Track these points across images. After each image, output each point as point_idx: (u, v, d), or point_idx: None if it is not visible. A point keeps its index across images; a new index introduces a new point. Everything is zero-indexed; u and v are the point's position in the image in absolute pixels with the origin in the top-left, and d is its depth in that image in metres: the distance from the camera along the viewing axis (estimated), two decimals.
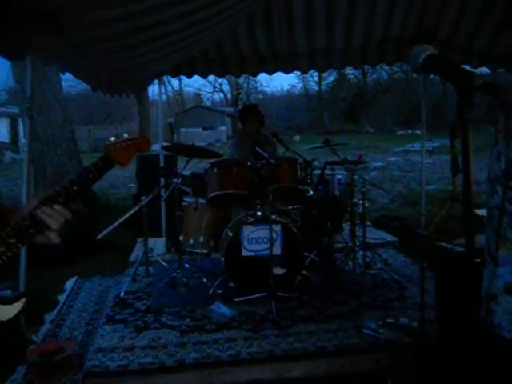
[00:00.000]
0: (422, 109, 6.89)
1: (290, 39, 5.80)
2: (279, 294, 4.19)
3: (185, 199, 5.00)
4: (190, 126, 36.15)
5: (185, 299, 4.48)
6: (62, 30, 3.60)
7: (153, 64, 5.46)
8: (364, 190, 4.98)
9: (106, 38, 4.12)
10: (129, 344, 3.68)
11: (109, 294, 4.88)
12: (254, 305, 4.22)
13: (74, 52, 3.94)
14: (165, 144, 8.37)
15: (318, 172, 5.14)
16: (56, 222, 1.52)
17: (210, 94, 49.39)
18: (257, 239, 4.37)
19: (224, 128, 34.17)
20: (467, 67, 5.62)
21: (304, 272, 4.54)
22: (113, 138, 1.65)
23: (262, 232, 4.33)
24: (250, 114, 5.53)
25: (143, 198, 4.82)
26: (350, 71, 36.56)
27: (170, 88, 40.94)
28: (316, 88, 44.01)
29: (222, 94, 47.21)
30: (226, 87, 44.27)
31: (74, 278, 5.41)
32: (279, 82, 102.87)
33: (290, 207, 5.02)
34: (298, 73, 6.45)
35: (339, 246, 5.34)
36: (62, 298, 4.88)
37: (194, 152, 4.63)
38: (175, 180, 4.58)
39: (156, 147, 7.15)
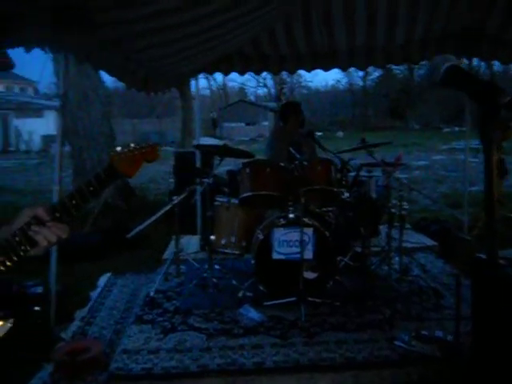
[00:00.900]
0: (466, 104, 6.61)
1: (329, 36, 5.64)
2: (310, 299, 4.08)
3: (217, 198, 4.94)
4: (232, 120, 36.25)
5: (214, 300, 4.42)
6: (95, 28, 3.59)
7: (188, 61, 5.41)
8: (402, 193, 4.78)
9: (139, 36, 4.08)
10: (154, 346, 3.64)
11: (140, 293, 4.88)
12: (283, 310, 4.11)
13: (107, 50, 3.92)
14: (203, 140, 8.38)
15: (354, 173, 4.97)
16: (45, 240, 1.45)
17: (253, 89, 49.41)
18: (288, 242, 4.26)
19: (266, 123, 34.04)
20: None
21: (337, 277, 4.41)
22: (119, 148, 1.57)
23: (294, 235, 4.22)
24: (291, 112, 5.36)
25: (175, 198, 4.79)
26: (395, 66, 35.79)
27: (213, 83, 41.29)
28: (361, 83, 43.34)
29: (265, 89, 47.11)
30: (269, 82, 44.11)
31: (108, 274, 5.44)
32: (323, 77, 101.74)
33: (324, 209, 4.89)
34: None
35: (375, 249, 5.18)
36: (94, 294, 4.90)
37: (226, 152, 4.55)
38: (206, 180, 4.51)
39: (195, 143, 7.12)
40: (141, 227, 4.60)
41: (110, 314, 4.40)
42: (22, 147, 28.06)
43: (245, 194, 4.50)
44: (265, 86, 46.10)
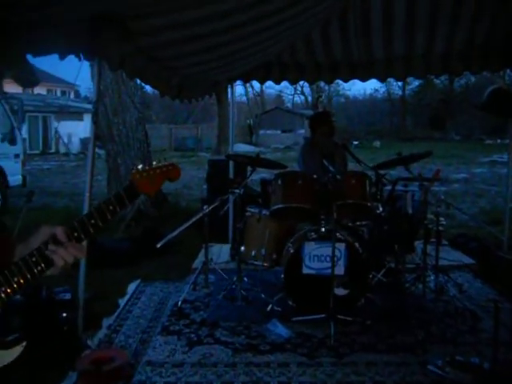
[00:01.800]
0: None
1: (366, 46, 5.52)
2: (340, 316, 3.95)
3: (248, 209, 4.88)
4: (269, 127, 36.21)
5: (242, 314, 4.35)
6: (129, 35, 3.57)
7: (224, 69, 5.37)
8: (439, 209, 4.61)
9: (174, 44, 4.06)
10: (179, 359, 3.58)
11: (168, 301, 4.83)
12: (311, 327, 4.01)
13: (141, 57, 3.91)
14: (238, 147, 8.34)
15: (389, 187, 4.83)
16: (62, 261, 1.40)
17: (290, 96, 49.37)
18: (319, 257, 4.16)
19: (302, 131, 33.89)
20: None
21: (368, 294, 4.27)
22: (140, 166, 1.53)
23: (325, 250, 4.11)
24: (320, 123, 5.25)
25: (205, 207, 4.74)
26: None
27: (251, 90, 41.43)
28: (399, 92, 42.78)
29: (302, 97, 47.03)
30: (307, 90, 44.01)
31: (137, 282, 5.42)
32: (362, 86, 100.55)
33: (358, 224, 4.76)
34: None
35: (410, 266, 5.01)
36: (122, 301, 4.88)
37: (257, 162, 4.48)
38: (237, 191, 4.45)
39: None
40: (170, 236, 4.57)
41: (136, 322, 4.36)
42: (62, 149, 28.66)
43: (276, 206, 4.42)
44: (302, 93, 46.05)
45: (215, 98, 22.02)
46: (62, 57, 3.40)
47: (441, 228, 4.70)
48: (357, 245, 4.20)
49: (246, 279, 4.69)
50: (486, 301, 4.54)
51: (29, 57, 3.40)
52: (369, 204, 4.30)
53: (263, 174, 7.97)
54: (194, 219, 4.65)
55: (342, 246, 4.10)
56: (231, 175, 6.48)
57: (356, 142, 30.72)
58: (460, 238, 6.53)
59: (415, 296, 4.63)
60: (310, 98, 44.19)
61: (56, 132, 28.60)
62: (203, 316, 4.35)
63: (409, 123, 42.03)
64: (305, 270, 4.17)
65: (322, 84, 30.03)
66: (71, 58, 3.45)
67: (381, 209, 4.57)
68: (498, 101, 1.24)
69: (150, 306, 4.74)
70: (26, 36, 3.14)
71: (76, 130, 27.82)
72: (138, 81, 6.08)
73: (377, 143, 32.06)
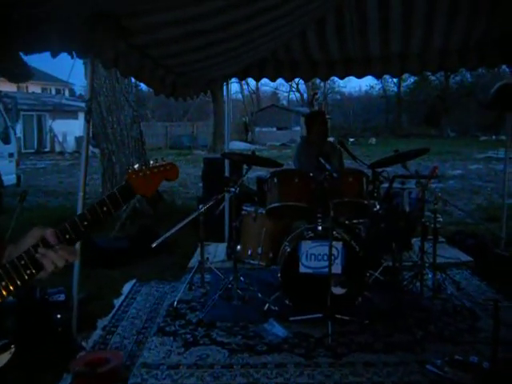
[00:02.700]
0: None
1: (362, 43, 5.47)
2: (337, 316, 3.91)
3: (244, 208, 4.83)
4: (264, 125, 36.14)
5: (238, 313, 4.31)
6: (123, 34, 3.52)
7: (218, 67, 5.32)
8: (436, 207, 4.58)
9: (168, 42, 4.01)
10: (175, 360, 3.54)
11: (164, 302, 4.79)
12: (309, 326, 3.97)
13: (135, 56, 3.85)
14: (234, 145, 8.30)
15: (386, 185, 4.79)
16: (52, 265, 1.34)
17: (286, 94, 49.33)
18: (316, 256, 4.11)
19: (298, 128, 33.81)
20: None
21: (366, 293, 4.23)
22: (136, 166, 1.47)
23: (322, 248, 4.07)
24: (315, 122, 5.23)
25: (200, 207, 4.69)
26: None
27: (246, 87, 41.35)
28: (395, 89, 42.77)
29: (298, 94, 46.99)
30: (302, 87, 43.98)
31: (133, 281, 5.37)
32: (357, 83, 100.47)
33: (355, 222, 4.72)
34: None
35: (407, 264, 4.98)
36: (117, 302, 4.83)
37: (253, 160, 4.44)
38: (232, 189, 4.40)
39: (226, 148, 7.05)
40: (165, 236, 4.51)
41: (132, 323, 4.31)
42: (57, 148, 28.52)
43: (272, 205, 4.37)
44: (298, 90, 46.02)
45: (211, 95, 21.98)
46: (55, 55, 3.35)
47: (438, 225, 4.66)
48: (354, 243, 4.15)
49: (242, 278, 4.65)
50: (485, 299, 4.51)
51: (21, 55, 3.35)
52: (366, 202, 4.26)
53: (259, 172, 7.91)
54: (189, 218, 4.59)
55: (339, 244, 4.06)
56: (227, 173, 6.43)
57: (352, 139, 30.70)
58: (457, 235, 6.50)
59: (413, 294, 4.60)
60: (305, 96, 44.14)
61: (51, 131, 28.46)
62: (199, 316, 4.29)
63: (404, 120, 42.04)
64: (302, 269, 4.12)
65: (317, 81, 30.00)
66: (66, 56, 3.41)
67: (378, 206, 4.53)
68: (506, 97, 1.21)
69: (146, 307, 4.69)
70: (18, 34, 3.09)
71: (71, 129, 27.67)
72: (133, 79, 6.03)
73: (372, 140, 32.06)
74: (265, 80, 6.52)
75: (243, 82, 32.49)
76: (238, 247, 4.71)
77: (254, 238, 4.69)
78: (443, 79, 38.23)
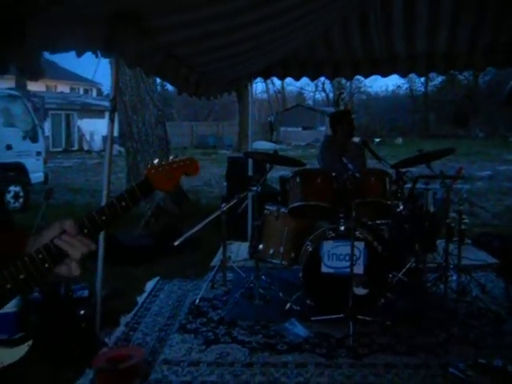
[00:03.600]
0: None
1: (388, 41, 5.42)
2: (359, 316, 3.88)
3: (267, 207, 4.83)
4: (290, 124, 36.10)
5: (259, 312, 4.29)
6: (147, 33, 3.55)
7: (242, 66, 5.32)
8: (461, 208, 4.51)
9: (193, 41, 4.03)
10: (196, 358, 3.56)
11: (186, 299, 4.81)
12: (330, 326, 3.94)
13: (159, 55, 3.88)
14: (259, 144, 8.31)
15: (411, 186, 4.73)
16: (78, 251, 1.35)
17: (311, 94, 49.16)
18: (338, 256, 4.09)
19: (323, 128, 33.70)
20: None
21: (388, 294, 4.19)
22: (156, 161, 1.48)
23: (344, 248, 4.04)
24: (340, 121, 5.20)
25: (223, 205, 4.71)
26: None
27: (272, 87, 41.31)
28: (422, 89, 42.24)
29: (323, 94, 46.79)
30: (328, 87, 43.78)
31: (156, 279, 5.41)
32: (384, 82, 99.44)
33: (378, 222, 4.68)
34: None
35: (431, 266, 4.91)
36: (140, 299, 4.87)
37: (275, 160, 4.43)
38: (255, 188, 4.40)
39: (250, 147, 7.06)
40: (188, 234, 4.54)
41: (154, 320, 4.34)
42: (85, 147, 28.94)
43: (294, 204, 4.36)
44: (323, 90, 45.82)
45: (236, 95, 22.03)
46: (79, 54, 3.39)
47: (463, 227, 4.60)
48: (376, 243, 4.12)
49: (264, 277, 4.65)
50: (511, 302, 4.42)
51: (47, 54, 3.41)
52: (389, 202, 4.22)
53: (282, 171, 7.90)
54: (211, 217, 4.61)
55: (361, 244, 4.03)
56: (250, 173, 6.43)
57: (378, 140, 30.43)
58: (483, 236, 6.38)
59: (436, 296, 4.53)
60: (331, 95, 43.94)
61: (78, 130, 28.88)
62: (221, 314, 4.31)
63: (432, 120, 41.47)
64: (323, 269, 4.10)
65: (343, 81, 29.85)
66: (93, 56, 3.46)
67: (401, 207, 4.49)
68: None
69: (169, 304, 4.72)
70: (42, 33, 3.13)
71: (98, 128, 28.02)
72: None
73: (399, 140, 31.73)
74: (290, 80, 6.53)
75: (269, 81, 32.55)
76: (261, 246, 4.70)
77: (276, 238, 4.68)
78: (472, 78, 37.59)
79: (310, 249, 4.17)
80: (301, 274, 4.19)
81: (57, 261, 1.35)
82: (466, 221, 4.77)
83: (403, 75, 6.17)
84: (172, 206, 8.13)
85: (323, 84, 43.22)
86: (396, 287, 4.48)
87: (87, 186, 13.96)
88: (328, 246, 4.09)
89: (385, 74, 6.05)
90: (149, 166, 1.47)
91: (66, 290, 4.08)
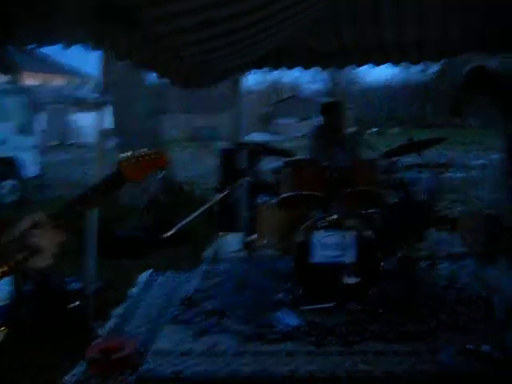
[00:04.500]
0: None
1: (378, 30, 5.42)
2: (350, 305, 3.92)
3: (259, 198, 4.85)
4: (285, 116, 36.02)
5: (251, 302, 4.32)
6: (137, 24, 3.54)
7: (235, 56, 5.31)
8: (452, 196, 4.53)
9: (183, 32, 4.01)
10: (187, 348, 3.58)
11: (179, 291, 4.83)
12: (321, 315, 3.97)
13: (149, 46, 3.87)
14: (255, 136, 8.32)
15: (401, 174, 4.75)
16: (48, 243, 1.37)
17: (307, 85, 49.00)
18: (329, 245, 4.10)
19: (320, 119, 33.69)
20: None
21: (379, 282, 4.22)
22: (128, 153, 1.55)
23: (335, 238, 4.06)
24: (332, 111, 5.20)
25: (215, 196, 4.72)
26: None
27: (267, 78, 41.17)
28: (419, 79, 42.14)
29: (319, 85, 46.64)
30: (324, 77, 43.63)
31: (149, 271, 5.43)
32: (380, 72, 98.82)
33: (369, 211, 4.70)
34: None
35: (422, 254, 4.93)
36: (133, 291, 4.89)
37: (267, 150, 4.44)
38: (247, 179, 4.42)
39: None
40: (179, 225, 4.55)
41: (147, 312, 4.37)
42: (80, 140, 28.88)
43: (285, 194, 4.38)
44: (319, 81, 45.67)
45: (231, 86, 21.95)
46: (67, 46, 3.39)
47: (454, 215, 4.63)
48: (367, 233, 4.14)
49: (256, 268, 4.67)
50: (500, 288, 4.45)
51: (34, 46, 3.40)
52: (379, 191, 4.24)
53: (275, 162, 7.91)
54: (202, 208, 4.63)
55: (352, 233, 4.05)
56: (242, 164, 6.43)
57: (376, 129, 30.43)
58: None
59: (427, 284, 4.57)
60: (326, 86, 43.83)
61: (75, 123, 28.82)
62: (213, 305, 4.33)
63: (429, 110, 41.44)
64: (315, 259, 4.13)
65: (338, 72, 29.76)
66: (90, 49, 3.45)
67: (392, 196, 4.50)
68: (477, 79, 1.18)
69: (161, 296, 4.74)
70: (29, 26, 3.13)
71: (94, 121, 27.97)
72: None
73: (395, 130, 31.72)
74: (286, 71, 6.51)
75: (264, 72, 32.44)
76: (253, 237, 4.73)
77: (268, 228, 4.70)
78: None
79: (302, 238, 4.19)
80: (292, 264, 4.21)
81: (28, 252, 1.36)
82: (459, 209, 4.78)
83: (395, 63, 6.16)
84: (165, 198, 8.13)
85: (318, 74, 43.08)
86: (387, 276, 4.51)
87: (84, 180, 13.93)
88: (319, 236, 4.10)
89: (377, 63, 6.04)
90: (121, 158, 1.54)
91: (58, 282, 4.11)
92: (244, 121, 7.32)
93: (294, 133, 32.51)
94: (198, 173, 13.33)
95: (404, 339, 3.59)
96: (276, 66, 6.35)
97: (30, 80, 19.95)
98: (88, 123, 28.29)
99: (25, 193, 10.30)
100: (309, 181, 4.30)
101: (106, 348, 3.53)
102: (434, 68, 38.45)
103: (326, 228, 4.13)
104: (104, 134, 4.35)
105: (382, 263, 4.38)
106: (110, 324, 4.12)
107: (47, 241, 1.37)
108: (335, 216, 4.17)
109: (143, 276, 5.27)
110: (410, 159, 5.04)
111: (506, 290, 4.17)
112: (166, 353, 3.51)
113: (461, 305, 4.15)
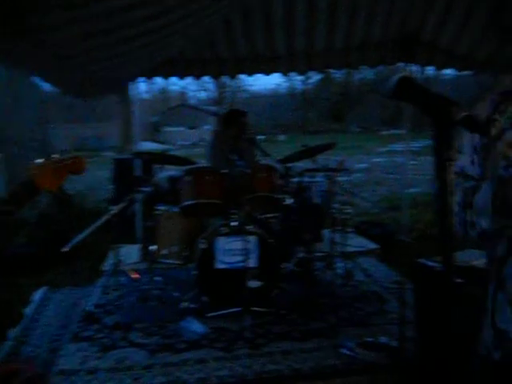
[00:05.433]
0: (403, 108, 6.73)
1: (269, 41, 5.61)
2: (254, 308, 4.00)
3: (158, 207, 4.80)
4: (174, 124, 35.77)
5: (156, 314, 4.27)
6: (27, 30, 3.38)
7: (126, 66, 5.23)
8: (344, 198, 4.80)
9: (74, 40, 3.89)
10: (92, 365, 3.46)
11: (78, 307, 4.65)
12: (227, 321, 4.02)
13: (40, 54, 3.71)
14: (143, 145, 8.19)
15: (297, 179, 4.93)
16: None
17: (194, 93, 49.01)
18: (232, 251, 4.17)
19: (208, 127, 33.78)
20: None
21: (281, 285, 4.36)
22: (40, 160, 1.44)
23: (237, 243, 4.13)
24: (236, 120, 5.13)
25: (113, 208, 4.60)
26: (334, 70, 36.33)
27: (154, 87, 40.66)
28: (301, 87, 43.79)
29: (206, 93, 46.86)
30: (211, 86, 43.91)
31: (43, 289, 5.17)
32: (265, 81, 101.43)
33: (268, 216, 4.83)
34: None
35: (319, 255, 5.16)
36: (28, 310, 4.64)
37: (165, 159, 4.42)
38: (145, 188, 4.37)
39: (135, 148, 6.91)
40: (76, 240, 4.38)
41: (45, 331, 4.16)
42: None
43: (186, 203, 4.38)
44: (206, 89, 45.87)
45: (118, 95, 21.40)
46: None
47: (346, 216, 4.89)
48: (268, 237, 4.26)
49: (158, 278, 4.63)
50: (391, 283, 4.79)
51: None
52: (277, 196, 4.38)
53: (171, 171, 7.85)
54: (101, 220, 4.49)
55: (253, 238, 4.15)
56: (138, 173, 6.34)
57: (262, 137, 31.11)
58: (364, 224, 6.82)
59: (325, 283, 4.79)
60: (213, 95, 44.13)
61: None
62: (116, 319, 4.22)
63: (312, 117, 43.17)
64: (218, 265, 4.17)
65: (225, 80, 30.10)
66: None
67: (289, 200, 4.66)
68: (406, 89, 1.29)
69: (59, 313, 4.54)
70: None
71: None
72: (36, 79, 5.77)
73: (281, 137, 32.70)
74: (173, 79, 6.50)
75: (151, 81, 32.00)
76: (153, 247, 4.67)
77: (168, 238, 4.66)
78: (346, 76, 39.62)
79: (204, 246, 4.22)
80: (195, 272, 4.22)
81: None
82: (349, 210, 5.06)
83: (284, 73, 6.40)
84: (57, 211, 7.75)
85: (206, 83, 43.28)
86: (288, 277, 4.67)
87: None
88: (221, 242, 4.16)
89: (267, 73, 6.25)
90: (31, 166, 1.43)
91: None
92: (136, 130, 7.19)
93: (183, 141, 32.44)
94: (87, 184, 12.83)
95: (308, 337, 3.74)
96: (167, 75, 6.34)
97: None
98: None
99: None
100: (209, 189, 4.33)
101: (3, 373, 3.31)
102: (315, 77, 40.27)
103: (227, 234, 4.19)
104: None
105: (283, 265, 4.54)
106: (6, 347, 3.87)
107: None
108: (236, 222, 4.24)
109: (38, 294, 5.01)
110: (303, 165, 5.26)
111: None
112: (71, 372, 3.37)
113: (357, 300, 4.43)
